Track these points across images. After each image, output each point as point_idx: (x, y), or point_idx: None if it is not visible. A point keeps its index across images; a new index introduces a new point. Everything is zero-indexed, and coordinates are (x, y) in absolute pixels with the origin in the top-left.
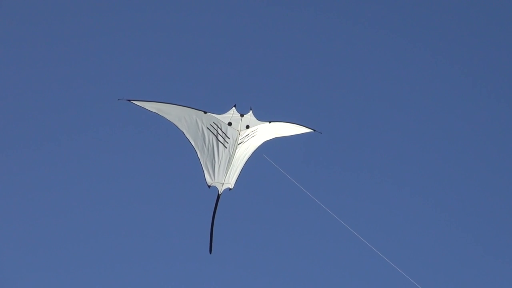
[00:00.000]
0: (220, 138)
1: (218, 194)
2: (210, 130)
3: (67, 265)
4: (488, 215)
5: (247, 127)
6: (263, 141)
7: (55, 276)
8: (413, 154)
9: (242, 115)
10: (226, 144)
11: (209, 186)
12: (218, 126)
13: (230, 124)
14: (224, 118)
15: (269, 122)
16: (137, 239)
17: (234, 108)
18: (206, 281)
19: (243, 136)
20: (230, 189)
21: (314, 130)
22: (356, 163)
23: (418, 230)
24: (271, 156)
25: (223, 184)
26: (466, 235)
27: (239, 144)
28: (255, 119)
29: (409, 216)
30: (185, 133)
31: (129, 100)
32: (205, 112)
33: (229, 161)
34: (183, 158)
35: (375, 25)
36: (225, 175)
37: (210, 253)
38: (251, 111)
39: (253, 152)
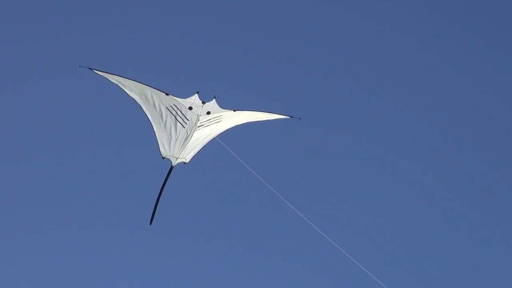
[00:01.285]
0: (179, 118)
1: (171, 166)
2: (169, 111)
3: None
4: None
5: (208, 113)
6: (231, 126)
7: None
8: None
9: (203, 102)
10: (184, 125)
11: (163, 158)
12: (178, 108)
13: (190, 108)
14: (185, 102)
15: (234, 110)
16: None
17: (196, 94)
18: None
19: (202, 121)
20: (185, 163)
21: (291, 117)
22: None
23: (383, 223)
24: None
25: (177, 158)
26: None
27: (198, 127)
28: (217, 106)
29: (367, 209)
30: (143, 107)
31: (92, 69)
32: (167, 94)
33: (185, 140)
34: (140, 128)
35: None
36: (180, 151)
37: (150, 224)
38: (214, 99)
39: (217, 135)
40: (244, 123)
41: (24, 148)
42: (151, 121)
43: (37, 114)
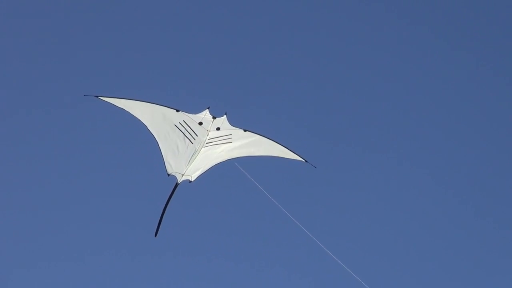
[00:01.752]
0: (187, 134)
1: (177, 183)
2: (178, 128)
3: None
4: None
5: (218, 129)
6: (243, 156)
7: None
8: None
9: (214, 117)
10: (192, 140)
11: (168, 175)
12: (187, 124)
13: (200, 123)
14: (196, 117)
15: (244, 130)
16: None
17: (207, 110)
18: (151, 267)
19: (212, 137)
20: (190, 181)
21: (306, 161)
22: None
23: (383, 234)
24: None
25: (183, 174)
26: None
27: (207, 143)
28: (228, 123)
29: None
30: (148, 126)
31: (97, 97)
32: (177, 111)
33: (192, 156)
34: (144, 146)
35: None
36: (187, 167)
37: (156, 235)
38: (225, 116)
39: (227, 160)
40: (256, 156)
41: (34, 177)
42: (157, 138)
43: (44, 141)
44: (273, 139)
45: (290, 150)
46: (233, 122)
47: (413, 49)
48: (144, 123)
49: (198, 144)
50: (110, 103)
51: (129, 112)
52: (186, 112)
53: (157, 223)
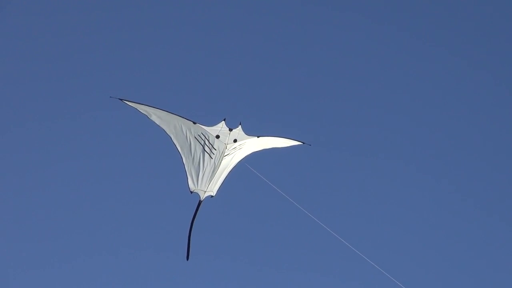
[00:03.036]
0: (206, 148)
1: (200, 200)
2: (198, 140)
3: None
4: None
5: (235, 141)
6: (249, 153)
7: None
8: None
9: (230, 129)
10: (212, 155)
11: (191, 192)
12: (205, 137)
13: (218, 137)
14: (213, 130)
15: (258, 136)
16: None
17: (223, 122)
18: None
19: (229, 149)
20: (212, 196)
21: (303, 143)
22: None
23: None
24: (257, 166)
25: (205, 191)
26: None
27: (225, 156)
28: (243, 133)
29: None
30: (172, 138)
31: (122, 100)
32: (194, 123)
33: (213, 171)
34: (168, 161)
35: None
36: (208, 184)
37: (187, 259)
38: (240, 126)
39: (237, 163)
40: (261, 150)
41: (54, 179)
42: (181, 153)
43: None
44: (274, 135)
45: (289, 138)
46: (246, 131)
47: (413, 49)
48: (168, 133)
49: (217, 158)
50: (134, 107)
51: (153, 121)
52: (202, 125)
53: (187, 246)
